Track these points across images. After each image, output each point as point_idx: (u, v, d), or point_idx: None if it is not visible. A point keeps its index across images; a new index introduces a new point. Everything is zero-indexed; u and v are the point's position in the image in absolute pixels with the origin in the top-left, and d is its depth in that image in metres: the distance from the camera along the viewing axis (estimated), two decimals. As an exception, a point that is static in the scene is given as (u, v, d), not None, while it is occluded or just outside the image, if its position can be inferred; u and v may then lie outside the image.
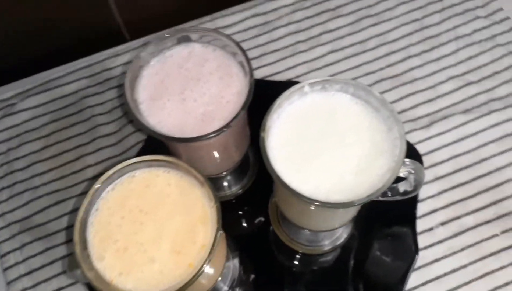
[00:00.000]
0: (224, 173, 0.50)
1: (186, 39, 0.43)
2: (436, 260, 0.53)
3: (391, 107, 0.37)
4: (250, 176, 0.57)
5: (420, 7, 0.67)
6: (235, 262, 0.51)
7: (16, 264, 0.54)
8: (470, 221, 0.54)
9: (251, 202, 0.56)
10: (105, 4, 0.65)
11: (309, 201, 0.34)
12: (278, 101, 0.38)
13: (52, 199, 0.57)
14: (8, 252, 0.55)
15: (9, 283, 0.53)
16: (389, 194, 0.44)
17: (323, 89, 0.39)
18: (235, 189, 0.56)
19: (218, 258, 0.39)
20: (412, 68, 0.63)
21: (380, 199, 0.45)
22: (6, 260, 0.54)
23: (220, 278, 0.43)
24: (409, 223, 0.53)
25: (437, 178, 0.56)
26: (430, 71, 0.63)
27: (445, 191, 0.56)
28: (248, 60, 0.40)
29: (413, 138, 0.58)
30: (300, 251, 0.53)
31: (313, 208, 0.38)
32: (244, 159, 0.56)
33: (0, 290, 0.53)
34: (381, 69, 0.63)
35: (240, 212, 0.56)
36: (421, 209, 0.54)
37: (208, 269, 0.36)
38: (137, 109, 0.39)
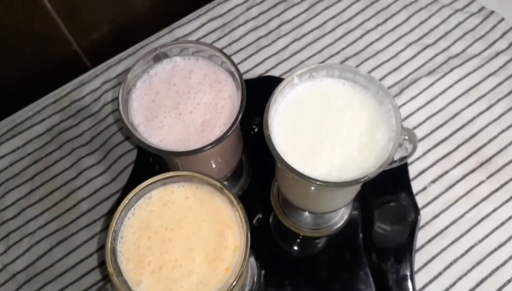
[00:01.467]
0: (223, 178, 0.51)
1: (165, 55, 0.44)
2: (436, 216, 0.56)
3: (379, 83, 0.40)
4: (245, 176, 0.58)
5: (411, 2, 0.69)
6: (251, 260, 0.52)
7: (30, 313, 0.53)
8: (457, 173, 0.58)
9: (252, 201, 0.57)
10: (60, 34, 0.64)
11: (325, 184, 0.36)
12: (273, 97, 0.39)
13: (52, 240, 0.56)
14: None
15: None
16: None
17: (311, 78, 0.41)
18: (234, 191, 0.57)
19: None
20: (371, 43, 0.66)
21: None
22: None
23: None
24: (405, 187, 0.56)
25: (419, 140, 0.59)
26: (389, 42, 0.66)
27: (429, 150, 0.59)
28: (232, 61, 0.41)
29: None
30: (308, 235, 0.55)
31: (326, 191, 0.40)
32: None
33: None
34: (343, 49, 0.66)
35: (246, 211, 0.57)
36: (411, 171, 0.57)
37: (246, 271, 0.37)
38: (136, 132, 0.39)
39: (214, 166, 0.45)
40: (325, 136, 0.39)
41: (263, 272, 0.53)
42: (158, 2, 0.70)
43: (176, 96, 0.42)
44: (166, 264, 0.36)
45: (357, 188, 0.44)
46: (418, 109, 0.61)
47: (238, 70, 0.41)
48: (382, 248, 0.53)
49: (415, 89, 0.62)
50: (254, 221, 0.56)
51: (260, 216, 0.57)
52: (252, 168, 0.58)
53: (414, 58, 0.65)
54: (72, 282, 0.54)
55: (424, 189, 0.57)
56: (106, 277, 0.53)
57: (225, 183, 0.55)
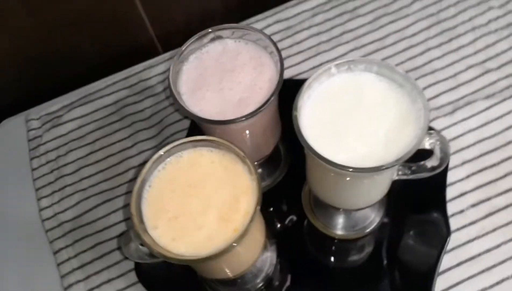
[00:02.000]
0: (256, 162, 0.53)
1: (219, 37, 0.47)
2: (469, 241, 0.54)
3: (414, 82, 0.40)
4: (281, 169, 0.60)
5: (435, 2, 0.70)
6: (272, 252, 0.54)
7: (69, 259, 0.58)
8: (500, 202, 0.55)
9: (283, 194, 0.59)
10: (140, 22, 0.71)
11: (344, 168, 0.37)
12: (308, 82, 0.41)
13: (99, 199, 0.61)
14: (61, 249, 0.59)
15: (63, 276, 0.57)
16: (414, 169, 0.47)
17: (349, 70, 0.43)
18: (268, 182, 0.59)
19: (257, 229, 0.42)
20: (431, 60, 0.66)
21: (410, 177, 0.47)
22: (59, 256, 0.58)
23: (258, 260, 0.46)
24: (439, 206, 0.55)
25: (465, 162, 0.58)
26: (449, 61, 0.65)
27: (474, 173, 0.57)
28: (278, 49, 0.44)
29: (438, 125, 0.60)
30: (335, 238, 0.55)
31: (347, 179, 0.41)
32: (276, 152, 0.59)
33: (54, 285, 0.57)
34: (402, 62, 0.66)
35: (273, 205, 0.59)
36: (450, 192, 0.56)
37: (250, 237, 0.39)
38: (181, 100, 0.43)
39: (248, 144, 0.47)
40: (353, 128, 0.40)
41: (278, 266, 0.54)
42: (230, 2, 0.75)
43: (221, 74, 0.45)
44: (182, 215, 0.38)
45: (382, 185, 0.45)
46: (470, 131, 0.60)
47: (281, 56, 0.44)
48: (405, 264, 0.52)
49: (469, 110, 0.61)
50: (284, 217, 0.58)
51: (289, 211, 0.58)
52: (290, 163, 0.60)
53: (473, 81, 0.63)
54: (108, 239, 0.59)
55: (462, 211, 0.55)
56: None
57: (259, 170, 0.58)
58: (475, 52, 0.65)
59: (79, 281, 0.57)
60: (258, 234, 0.43)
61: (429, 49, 0.67)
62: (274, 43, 0.44)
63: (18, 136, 0.68)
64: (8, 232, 0.62)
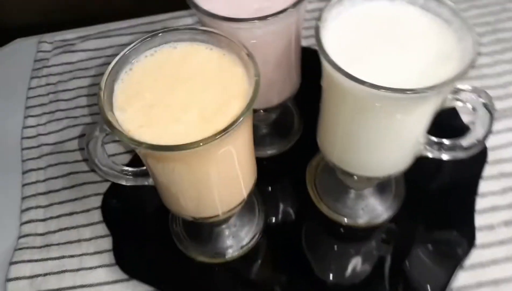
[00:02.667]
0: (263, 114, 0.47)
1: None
2: (494, 262, 0.45)
3: (464, 16, 0.34)
4: (290, 137, 0.53)
5: (493, 13, 0.64)
6: (258, 220, 0.47)
7: (36, 182, 0.52)
8: None
9: (287, 167, 0.52)
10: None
11: (374, 87, 0.30)
12: (340, -3, 0.35)
13: (86, 129, 0.55)
14: (32, 170, 0.53)
15: (24, 198, 0.51)
16: (448, 145, 0.39)
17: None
18: (273, 150, 0.52)
19: (244, 148, 0.35)
20: (481, 66, 0.59)
21: (442, 155, 0.40)
22: (27, 177, 0.52)
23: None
24: (466, 211, 0.47)
25: (503, 175, 0.50)
26: (500, 71, 0.58)
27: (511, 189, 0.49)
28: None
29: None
30: (339, 224, 0.47)
31: (370, 117, 0.34)
32: (287, 114, 0.53)
33: (12, 205, 0.50)
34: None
35: (275, 173, 0.52)
36: (481, 203, 0.48)
37: (232, 149, 0.32)
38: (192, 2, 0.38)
39: (269, 67, 0.41)
40: (383, 55, 0.34)
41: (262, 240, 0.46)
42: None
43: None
44: (158, 106, 0.32)
45: (410, 138, 0.37)
46: (512, 143, 0.52)
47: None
48: (413, 269, 0.44)
49: (516, 121, 0.53)
50: (283, 191, 0.51)
51: (289, 186, 0.51)
52: (301, 134, 0.53)
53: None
54: (83, 171, 0.53)
55: (492, 227, 0.46)
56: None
57: (265, 131, 0.51)
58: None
59: (39, 206, 0.50)
60: (244, 158, 0.36)
61: (479, 55, 0.60)
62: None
63: (26, 57, 0.64)
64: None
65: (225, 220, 0.45)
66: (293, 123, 0.54)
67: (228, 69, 0.34)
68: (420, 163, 0.45)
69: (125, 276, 0.45)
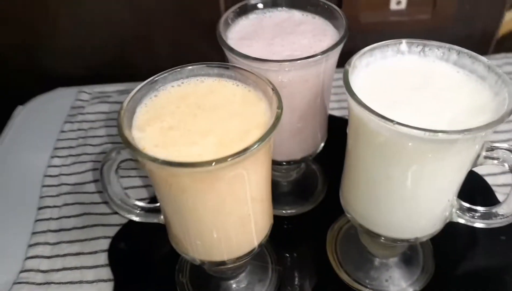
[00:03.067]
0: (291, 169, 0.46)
1: (288, 4, 0.44)
2: None
3: (499, 71, 0.33)
4: (314, 198, 0.52)
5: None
6: (273, 280, 0.44)
7: (50, 219, 0.51)
8: None
9: (309, 226, 0.49)
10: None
11: (399, 125, 0.29)
12: (370, 47, 0.35)
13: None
14: (47, 206, 0.52)
15: (34, 233, 0.50)
16: (481, 213, 0.37)
17: (422, 53, 0.36)
18: (294, 210, 0.50)
19: (257, 185, 0.33)
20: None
21: (477, 224, 0.37)
22: (41, 213, 0.52)
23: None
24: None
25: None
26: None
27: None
28: (347, 22, 0.40)
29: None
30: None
31: (399, 164, 0.32)
32: (311, 173, 0.52)
33: (21, 240, 0.49)
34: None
35: (294, 234, 0.49)
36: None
37: (245, 181, 0.31)
38: (225, 43, 0.39)
39: (295, 115, 0.41)
40: (413, 104, 0.33)
41: None
42: None
43: (277, 33, 0.41)
44: (177, 129, 0.32)
45: (445, 189, 0.35)
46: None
47: (347, 24, 0.39)
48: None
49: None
50: (301, 254, 0.47)
51: (308, 249, 0.48)
52: (324, 196, 0.51)
53: None
54: (97, 214, 0.52)
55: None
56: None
57: (285, 190, 0.50)
58: None
59: (47, 243, 0.49)
60: (257, 196, 0.34)
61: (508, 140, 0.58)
62: (345, 17, 0.40)
63: (65, 104, 0.66)
64: (9, 179, 0.57)
65: (234, 273, 0.42)
66: (316, 184, 0.52)
67: (252, 104, 0.34)
68: (454, 235, 0.42)
69: (120, 325, 0.42)
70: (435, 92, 0.34)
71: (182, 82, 0.35)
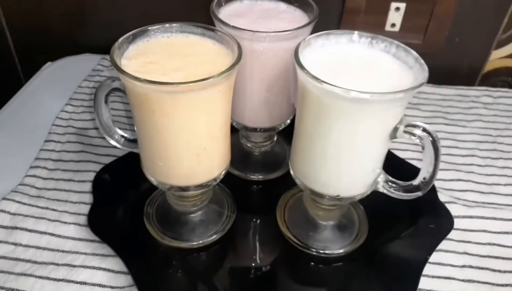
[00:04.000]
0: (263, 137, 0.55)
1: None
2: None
3: (422, 62, 0.40)
4: (281, 169, 0.58)
5: (497, 129, 0.69)
6: (228, 219, 0.51)
7: (53, 150, 0.61)
8: None
9: (269, 190, 0.56)
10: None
11: (325, 84, 0.37)
12: (327, 32, 0.43)
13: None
14: (52, 141, 0.62)
15: (37, 158, 0.59)
16: (400, 185, 0.44)
17: (369, 45, 0.44)
18: (262, 175, 0.58)
19: (216, 121, 0.41)
20: (472, 164, 0.63)
21: (395, 194, 0.44)
22: (47, 144, 0.62)
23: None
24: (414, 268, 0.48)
25: (466, 253, 0.51)
26: (490, 173, 0.62)
27: (471, 267, 0.50)
28: (317, 11, 0.48)
29: (452, 210, 0.54)
30: (293, 242, 0.50)
31: (341, 124, 0.39)
32: (280, 148, 0.59)
33: (27, 160, 0.58)
34: (442, 154, 0.63)
35: (255, 194, 0.56)
36: (438, 270, 0.49)
37: (208, 102, 0.39)
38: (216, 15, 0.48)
39: (264, 84, 0.48)
40: (350, 80, 0.40)
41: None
42: None
43: (262, 16, 0.49)
44: (156, 63, 0.40)
45: (377, 147, 0.42)
46: (485, 231, 0.53)
47: (316, 16, 0.47)
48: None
49: (492, 213, 0.55)
50: (255, 213, 0.54)
51: (262, 208, 0.55)
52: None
53: (509, 196, 0.58)
54: (95, 153, 0.60)
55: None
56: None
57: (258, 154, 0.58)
58: (521, 178, 0.61)
59: (45, 168, 0.58)
60: (217, 131, 0.42)
61: (473, 155, 0.64)
62: (317, 10, 0.48)
63: (88, 66, 0.76)
64: (27, 116, 0.66)
65: (193, 209, 0.49)
66: (284, 157, 0.59)
67: (222, 57, 0.42)
68: (388, 207, 0.49)
69: (89, 237, 0.49)
70: (373, 73, 0.42)
71: (171, 35, 0.44)
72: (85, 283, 0.46)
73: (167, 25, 0.44)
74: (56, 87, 0.72)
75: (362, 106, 0.38)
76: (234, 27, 0.45)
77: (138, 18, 0.79)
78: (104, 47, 0.80)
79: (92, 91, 0.71)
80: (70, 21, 0.82)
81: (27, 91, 0.71)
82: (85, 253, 0.48)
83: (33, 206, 0.52)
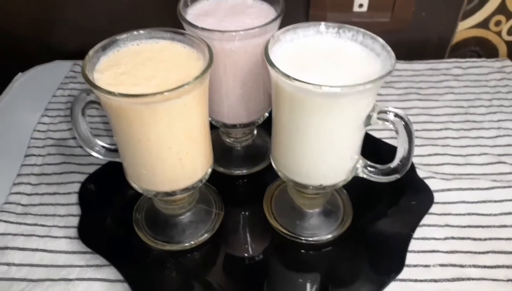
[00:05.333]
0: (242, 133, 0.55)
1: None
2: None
3: (389, 49, 0.41)
4: (262, 162, 0.59)
5: (468, 99, 0.71)
6: (214, 221, 0.52)
7: (34, 165, 0.60)
8: (475, 273, 0.49)
9: (254, 183, 0.58)
10: None
11: (299, 82, 0.37)
12: (294, 25, 0.44)
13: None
14: (33, 155, 0.61)
15: (19, 175, 0.58)
16: (378, 169, 0.46)
17: (337, 34, 0.45)
18: (246, 169, 0.59)
19: (194, 125, 0.42)
20: (447, 137, 0.65)
21: (374, 178, 0.46)
22: (28, 159, 0.61)
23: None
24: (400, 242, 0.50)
25: (447, 225, 0.53)
26: (464, 144, 0.64)
27: (453, 238, 0.52)
28: (283, 4, 0.48)
29: (430, 184, 0.56)
30: (281, 232, 0.51)
31: (314, 115, 0.40)
32: (262, 143, 0.61)
33: (9, 179, 0.58)
34: (416, 130, 0.65)
35: (240, 189, 0.58)
36: (422, 245, 0.51)
37: (182, 116, 0.39)
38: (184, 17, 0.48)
39: (237, 82, 0.49)
40: (320, 71, 0.41)
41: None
42: None
43: (229, 13, 0.49)
44: (128, 74, 0.40)
45: (350, 135, 0.43)
46: (463, 202, 0.55)
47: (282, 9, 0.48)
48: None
49: (469, 184, 0.57)
50: (242, 205, 0.56)
51: (249, 201, 0.56)
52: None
53: (483, 166, 0.60)
54: (76, 163, 0.60)
55: (428, 266, 0.49)
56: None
57: (240, 146, 0.58)
58: (493, 146, 0.63)
59: (29, 183, 0.58)
60: (195, 131, 0.43)
61: (447, 129, 0.66)
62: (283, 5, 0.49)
63: (60, 74, 0.75)
64: (4, 131, 0.66)
65: (181, 211, 0.50)
66: (266, 151, 0.60)
67: (193, 61, 0.42)
68: (370, 193, 0.51)
69: (82, 249, 0.50)
70: (341, 63, 0.43)
71: (141, 42, 0.44)
72: (83, 295, 0.46)
73: (135, 32, 0.44)
74: (30, 99, 0.71)
75: (334, 100, 0.39)
76: (202, 29, 0.45)
77: (106, 20, 0.79)
78: (73, 52, 0.80)
79: (68, 100, 0.70)
80: (36, 26, 0.80)
81: (1, 106, 0.70)
82: (79, 266, 0.49)
83: (21, 223, 0.52)
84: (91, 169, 0.59)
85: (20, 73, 0.76)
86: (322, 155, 0.43)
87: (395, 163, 0.44)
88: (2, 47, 0.81)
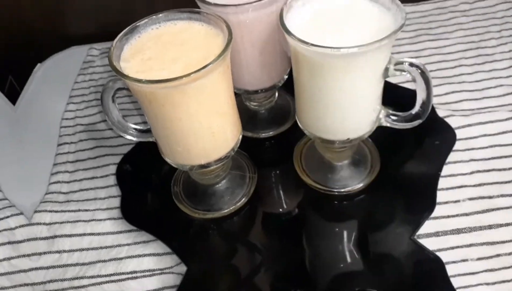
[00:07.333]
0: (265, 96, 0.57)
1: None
2: (460, 231, 0.49)
3: (399, 2, 0.42)
4: (287, 122, 0.61)
5: (478, 34, 0.71)
6: (250, 184, 0.55)
7: (68, 153, 0.63)
8: (503, 202, 0.51)
9: (282, 143, 0.60)
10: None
11: (319, 47, 0.39)
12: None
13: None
14: (65, 143, 0.64)
15: (55, 164, 0.61)
16: (399, 116, 0.47)
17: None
18: (272, 131, 0.61)
19: (222, 87, 0.43)
20: (462, 74, 0.66)
21: (397, 125, 0.47)
22: (61, 148, 0.63)
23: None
24: (430, 183, 0.52)
25: (472, 160, 0.55)
26: (479, 78, 0.65)
27: (479, 171, 0.54)
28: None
29: (451, 122, 0.58)
30: (315, 188, 0.53)
31: (335, 78, 0.42)
32: (285, 103, 0.62)
33: (46, 169, 0.61)
34: (431, 71, 0.66)
35: (269, 150, 0.60)
36: (451, 181, 0.53)
37: (210, 86, 0.41)
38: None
39: (256, 50, 0.50)
40: (336, 33, 0.42)
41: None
42: None
43: None
44: (154, 59, 0.42)
45: (370, 92, 0.44)
46: (485, 135, 0.57)
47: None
48: (382, 228, 0.49)
49: (488, 117, 0.58)
50: (273, 165, 0.58)
51: (279, 161, 0.58)
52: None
53: (500, 97, 0.62)
54: (107, 146, 0.63)
55: (458, 201, 0.51)
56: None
57: (264, 111, 0.60)
58: (508, 76, 0.64)
59: (66, 171, 0.60)
60: (223, 105, 0.44)
61: (461, 66, 0.67)
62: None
63: (78, 60, 0.77)
64: (34, 124, 0.68)
65: (218, 179, 0.53)
66: (289, 110, 0.62)
67: (212, 38, 0.43)
68: (397, 141, 0.53)
69: (127, 228, 0.53)
70: (355, 21, 0.44)
71: (160, 26, 0.45)
72: (135, 272, 0.50)
73: (154, 16, 0.45)
74: (53, 88, 0.73)
75: (353, 59, 0.40)
76: (216, 5, 0.46)
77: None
78: (87, 36, 0.81)
79: (90, 84, 0.72)
80: (49, 15, 0.81)
81: (25, 99, 0.72)
82: (127, 244, 0.52)
83: (65, 211, 0.55)
84: (124, 150, 0.61)
85: (39, 64, 0.77)
86: (345, 112, 0.45)
87: (416, 109, 0.45)
88: (18, 41, 0.82)
